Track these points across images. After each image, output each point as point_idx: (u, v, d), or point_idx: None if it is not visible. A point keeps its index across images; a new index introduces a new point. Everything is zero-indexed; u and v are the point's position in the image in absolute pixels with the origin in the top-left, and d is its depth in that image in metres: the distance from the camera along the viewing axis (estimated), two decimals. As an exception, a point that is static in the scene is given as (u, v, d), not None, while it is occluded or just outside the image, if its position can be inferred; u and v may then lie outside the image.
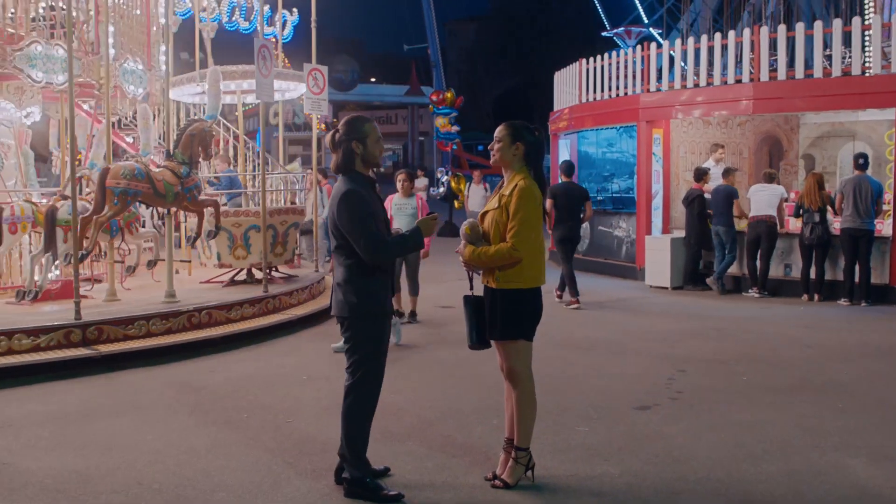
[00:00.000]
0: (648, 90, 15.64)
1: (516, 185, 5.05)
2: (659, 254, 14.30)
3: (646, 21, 38.58)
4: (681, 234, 14.42)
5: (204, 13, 25.52)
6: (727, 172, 13.58)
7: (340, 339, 5.50)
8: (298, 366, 8.60)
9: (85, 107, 12.53)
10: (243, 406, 7.08)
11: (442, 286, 13.47)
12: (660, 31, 35.81)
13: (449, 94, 26.93)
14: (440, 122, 27.09)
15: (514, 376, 5.15)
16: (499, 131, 5.21)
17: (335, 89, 58.31)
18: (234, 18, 22.93)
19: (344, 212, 4.85)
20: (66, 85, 9.56)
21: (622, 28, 39.20)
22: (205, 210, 10.87)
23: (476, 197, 20.69)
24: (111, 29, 11.29)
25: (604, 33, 39.94)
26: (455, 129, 27.05)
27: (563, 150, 19.55)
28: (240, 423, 6.60)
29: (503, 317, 5.08)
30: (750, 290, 13.22)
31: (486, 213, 5.21)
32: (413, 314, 11.05)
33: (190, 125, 10.69)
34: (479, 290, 5.24)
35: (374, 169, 5.15)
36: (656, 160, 15.43)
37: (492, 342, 5.17)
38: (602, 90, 16.98)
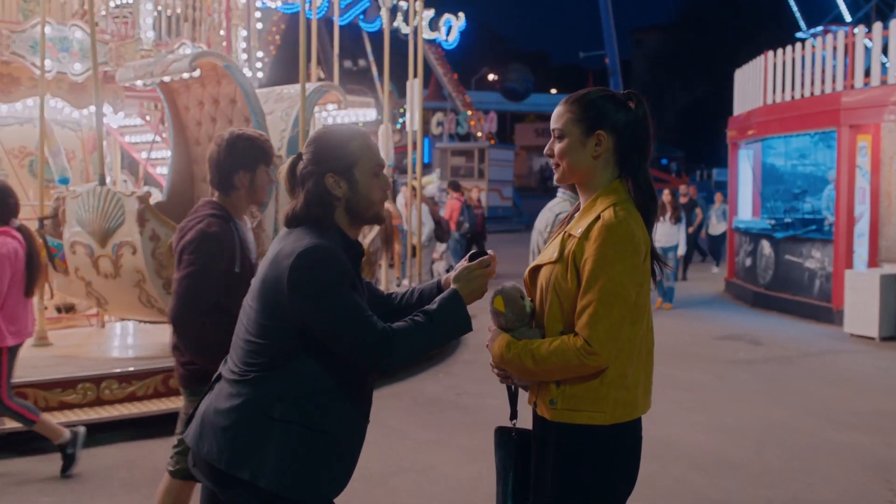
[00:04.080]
0: (853, 86, 12.49)
1: (598, 218, 2.56)
2: (863, 293, 11.15)
3: (848, 20, 34.55)
4: (895, 268, 11.26)
5: (363, 19, 23.86)
6: None
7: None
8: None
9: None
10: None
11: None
12: (865, 31, 31.66)
13: (624, 100, 24.40)
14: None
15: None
16: (557, 116, 2.70)
17: (507, 99, 56.51)
18: (395, 23, 21.45)
19: (307, 283, 2.42)
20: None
21: (821, 28, 35.23)
22: None
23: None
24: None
25: (798, 34, 36.07)
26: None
27: (745, 163, 16.50)
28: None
29: (558, 475, 2.59)
30: None
31: (538, 268, 2.72)
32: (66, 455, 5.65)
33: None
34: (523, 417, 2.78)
35: (373, 225, 2.77)
36: (862, 174, 12.27)
37: None
38: (792, 88, 13.90)
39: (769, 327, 12.02)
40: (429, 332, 2.50)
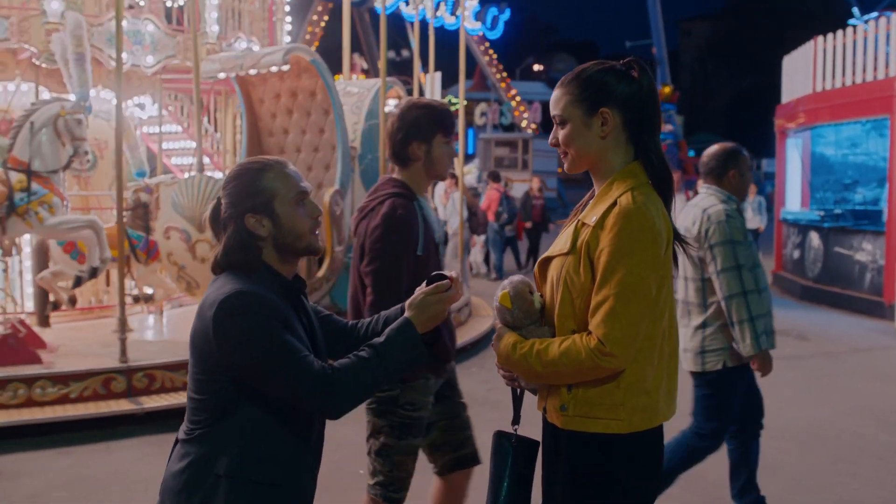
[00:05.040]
0: (907, 72, 12.06)
1: (614, 204, 2.33)
2: (917, 287, 10.77)
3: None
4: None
5: (406, 9, 23.63)
6: None
7: None
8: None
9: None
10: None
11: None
12: (921, 16, 30.78)
13: (667, 89, 24.02)
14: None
15: None
16: (555, 101, 2.46)
17: (552, 88, 56.08)
18: (438, 14, 21.18)
19: (232, 331, 2.25)
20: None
21: (876, 14, 34.37)
22: None
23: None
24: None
25: (851, 21, 35.19)
26: (668, 127, 23.84)
27: (793, 152, 16.04)
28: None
29: (570, 488, 2.39)
30: None
31: (548, 259, 2.50)
32: None
33: None
34: (527, 424, 2.58)
35: (309, 256, 2.48)
36: (916, 163, 11.85)
37: None
38: (843, 74, 13.45)
39: (817, 322, 11.64)
40: (375, 368, 2.30)
